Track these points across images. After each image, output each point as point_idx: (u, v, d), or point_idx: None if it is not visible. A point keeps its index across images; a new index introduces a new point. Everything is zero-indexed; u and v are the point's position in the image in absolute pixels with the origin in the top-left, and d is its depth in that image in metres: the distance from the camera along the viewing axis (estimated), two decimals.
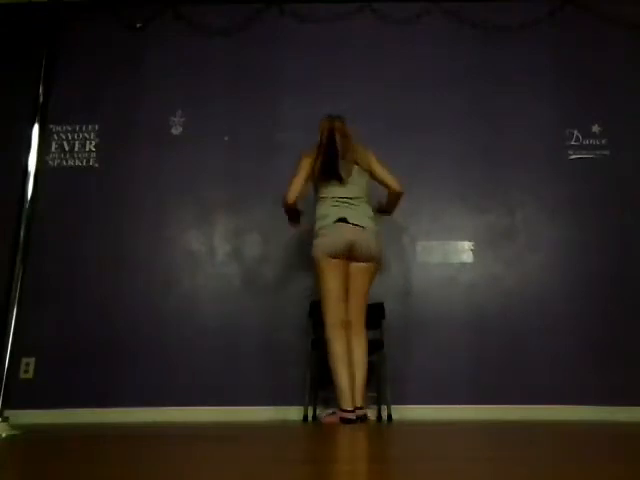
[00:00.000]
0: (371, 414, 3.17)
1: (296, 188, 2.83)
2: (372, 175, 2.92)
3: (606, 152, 3.67)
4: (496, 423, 2.81)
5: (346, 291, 2.82)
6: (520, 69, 3.84)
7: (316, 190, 2.92)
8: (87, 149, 3.78)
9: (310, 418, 3.07)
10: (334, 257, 2.73)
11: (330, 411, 2.94)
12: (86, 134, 3.81)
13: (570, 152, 3.69)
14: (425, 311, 3.41)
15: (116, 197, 3.66)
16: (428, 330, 3.37)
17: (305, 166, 2.86)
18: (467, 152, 3.69)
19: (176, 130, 3.80)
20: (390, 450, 1.44)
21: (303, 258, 3.54)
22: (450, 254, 3.53)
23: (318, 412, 3.17)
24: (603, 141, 3.69)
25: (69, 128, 3.82)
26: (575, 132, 3.72)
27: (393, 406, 3.09)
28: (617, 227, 3.51)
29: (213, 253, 3.57)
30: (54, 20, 2.81)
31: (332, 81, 3.84)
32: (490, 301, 3.42)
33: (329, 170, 2.82)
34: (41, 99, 2.57)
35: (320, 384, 3.18)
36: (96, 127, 3.82)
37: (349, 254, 2.76)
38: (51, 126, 3.75)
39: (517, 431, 2.21)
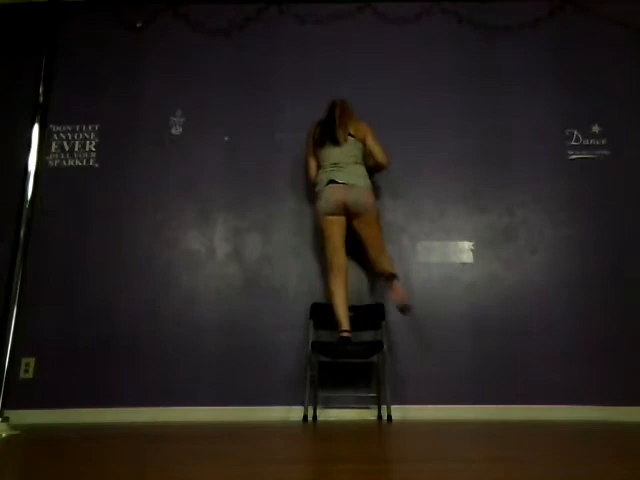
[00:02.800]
0: (371, 414, 3.17)
1: (312, 167, 3.38)
2: (365, 146, 3.31)
3: (606, 152, 3.67)
4: (496, 423, 2.81)
5: (345, 243, 3.21)
6: (520, 69, 3.84)
7: (316, 155, 3.34)
8: (87, 149, 3.77)
9: (310, 418, 3.07)
10: (330, 214, 3.16)
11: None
12: (86, 134, 3.81)
13: (570, 152, 3.69)
14: (425, 311, 3.41)
15: (116, 197, 3.66)
16: (428, 330, 3.37)
17: (309, 142, 3.41)
18: (467, 152, 3.69)
19: (176, 130, 3.80)
20: (390, 450, 1.44)
21: (303, 258, 3.54)
22: (450, 254, 3.53)
23: (318, 412, 3.18)
24: (603, 141, 3.69)
25: (69, 128, 3.82)
26: (575, 132, 3.72)
27: (393, 406, 3.09)
28: (617, 227, 3.51)
29: (213, 253, 3.57)
30: (54, 20, 2.81)
31: (332, 81, 3.83)
32: (490, 301, 3.42)
33: (326, 134, 3.28)
34: (41, 99, 2.57)
35: (320, 384, 3.18)
36: (96, 127, 3.82)
37: (345, 211, 3.16)
38: (51, 126, 3.75)
39: (517, 431, 2.21)
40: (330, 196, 3.14)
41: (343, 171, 3.18)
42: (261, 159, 3.72)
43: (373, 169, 3.37)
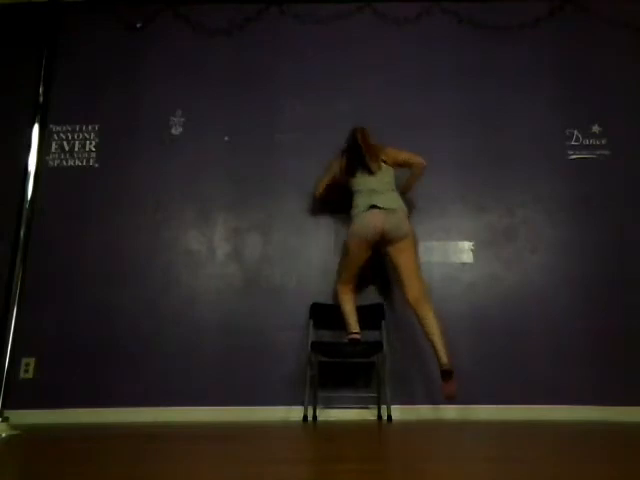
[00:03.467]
0: (371, 414, 3.17)
1: (321, 186, 3.36)
2: (398, 163, 3.27)
3: (606, 152, 3.68)
4: (496, 423, 2.81)
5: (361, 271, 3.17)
6: (520, 69, 3.84)
7: (350, 185, 3.25)
8: (87, 149, 3.78)
9: (310, 418, 3.07)
10: (365, 240, 3.07)
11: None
12: (86, 134, 3.81)
13: (570, 152, 3.69)
14: None
15: (116, 197, 3.66)
16: None
17: (331, 168, 3.34)
18: (467, 152, 3.69)
19: (176, 130, 3.80)
20: (390, 450, 1.44)
21: (303, 258, 3.54)
22: (450, 254, 3.53)
23: (318, 412, 3.18)
24: (603, 141, 3.69)
25: (69, 128, 3.82)
26: (575, 132, 3.72)
27: (393, 406, 3.09)
28: (617, 227, 3.51)
29: (213, 253, 3.57)
30: (54, 20, 2.81)
31: (332, 81, 3.84)
32: (490, 301, 3.42)
33: (358, 164, 3.21)
34: (41, 99, 2.57)
35: (320, 384, 3.18)
36: (96, 127, 3.82)
37: (380, 238, 3.06)
38: (51, 126, 3.75)
39: (517, 431, 2.21)
40: (370, 221, 3.05)
41: (382, 197, 3.11)
42: (261, 159, 3.72)
43: (409, 181, 3.35)
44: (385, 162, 3.23)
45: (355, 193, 3.19)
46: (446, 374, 2.85)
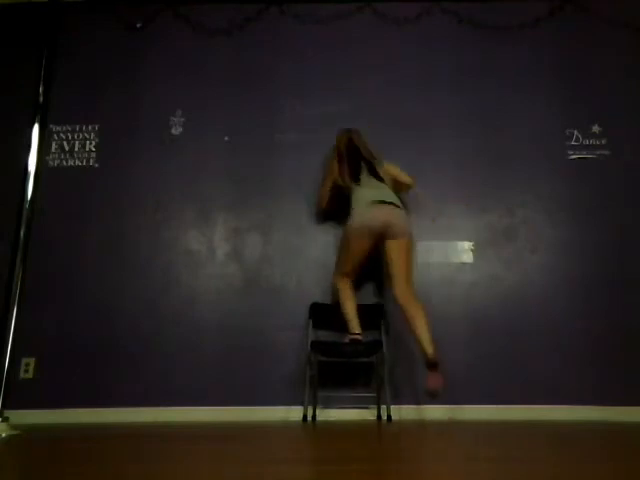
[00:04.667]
0: (370, 414, 3.17)
1: (324, 198, 3.38)
2: (389, 174, 3.27)
3: (606, 152, 3.68)
4: (496, 423, 2.81)
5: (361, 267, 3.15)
6: (520, 69, 3.84)
7: (351, 190, 3.19)
8: (87, 149, 3.77)
9: (310, 418, 3.07)
10: (368, 233, 3.02)
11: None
12: (86, 134, 3.81)
13: (570, 152, 3.69)
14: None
15: (116, 197, 3.66)
16: None
17: (330, 172, 3.31)
18: (467, 152, 3.69)
19: (176, 130, 3.80)
20: (390, 450, 1.44)
21: (303, 258, 3.54)
22: (450, 254, 3.53)
23: (318, 412, 3.18)
24: (603, 141, 3.69)
25: (69, 128, 3.82)
26: (575, 132, 3.72)
27: (393, 406, 3.09)
28: (617, 227, 3.51)
29: (213, 253, 3.57)
30: (54, 20, 2.81)
31: (332, 81, 3.83)
32: (490, 301, 3.42)
33: (362, 170, 3.19)
34: (41, 99, 2.57)
35: (320, 384, 3.18)
36: (96, 127, 3.82)
37: (384, 232, 3.02)
38: (51, 126, 3.75)
39: (517, 431, 2.21)
40: (376, 215, 3.02)
41: (383, 193, 3.11)
42: (261, 159, 3.72)
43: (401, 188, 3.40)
44: (382, 166, 3.26)
45: (357, 193, 3.15)
46: (431, 365, 2.79)
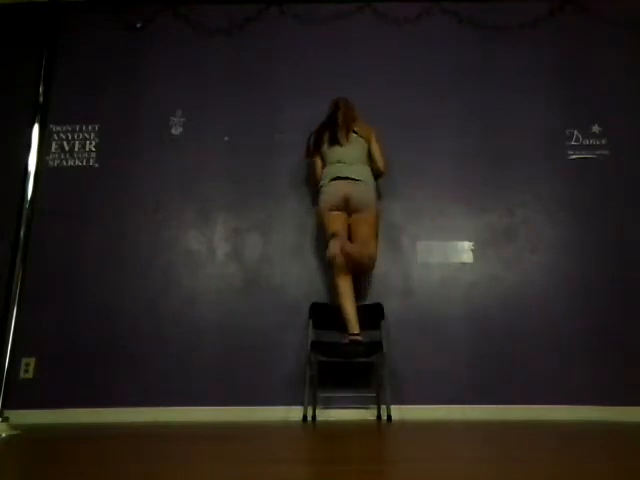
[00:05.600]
0: (370, 414, 3.17)
1: (318, 165, 3.41)
2: (369, 142, 3.36)
3: (606, 152, 3.67)
4: (496, 423, 2.81)
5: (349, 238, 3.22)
6: (520, 69, 3.84)
7: (323, 158, 3.36)
8: (87, 149, 3.77)
9: (310, 418, 3.07)
10: (334, 209, 3.18)
11: None
12: (86, 134, 3.81)
13: (570, 152, 3.69)
14: (425, 311, 3.41)
15: (116, 197, 3.66)
16: (428, 330, 3.37)
17: (313, 142, 3.40)
18: (467, 152, 3.69)
19: (176, 130, 3.80)
20: (390, 450, 1.44)
21: (303, 258, 3.54)
22: (450, 254, 3.52)
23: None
24: (603, 141, 3.69)
25: (69, 128, 3.82)
26: (575, 132, 3.72)
27: (393, 406, 3.09)
28: (617, 227, 3.51)
29: (213, 253, 3.57)
30: (54, 20, 2.81)
31: (332, 81, 3.83)
32: (490, 301, 3.42)
33: (329, 136, 3.31)
34: (41, 99, 2.57)
35: (320, 384, 3.18)
36: (96, 127, 3.82)
37: (346, 206, 3.18)
38: (51, 126, 3.75)
39: (517, 431, 2.21)
40: (335, 190, 3.18)
41: (348, 168, 3.21)
42: (261, 159, 3.72)
43: (374, 172, 3.37)
44: (357, 133, 3.31)
45: (325, 166, 3.31)
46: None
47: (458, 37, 3.91)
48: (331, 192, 3.19)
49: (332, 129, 3.33)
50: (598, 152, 3.67)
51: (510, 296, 3.42)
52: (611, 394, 3.18)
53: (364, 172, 3.24)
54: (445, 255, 3.52)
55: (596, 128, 3.71)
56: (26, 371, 3.30)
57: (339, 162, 3.24)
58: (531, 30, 3.89)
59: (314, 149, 3.38)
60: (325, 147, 3.32)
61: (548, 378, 3.25)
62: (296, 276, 3.49)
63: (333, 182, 3.20)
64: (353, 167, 3.23)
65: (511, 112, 3.76)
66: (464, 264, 3.50)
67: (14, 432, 2.17)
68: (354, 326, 3.09)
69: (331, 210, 3.20)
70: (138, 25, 3.98)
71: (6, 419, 2.30)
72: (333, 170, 3.23)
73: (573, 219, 3.55)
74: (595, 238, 3.49)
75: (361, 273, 3.32)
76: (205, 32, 3.97)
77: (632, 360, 3.25)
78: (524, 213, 3.58)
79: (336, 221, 3.19)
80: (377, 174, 3.37)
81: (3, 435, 2.11)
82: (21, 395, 3.13)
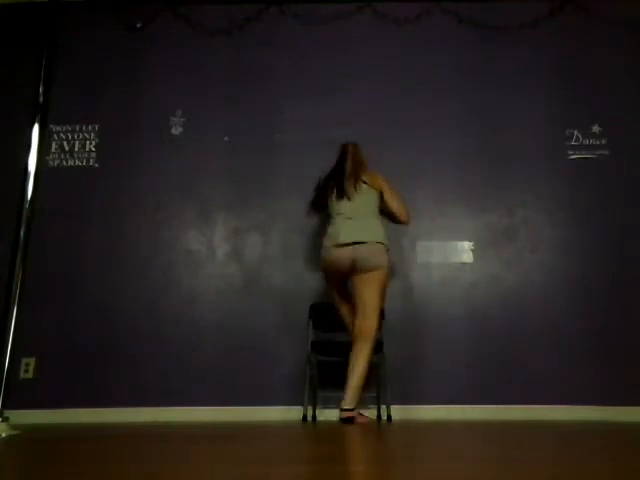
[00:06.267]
0: (370, 414, 3.17)
1: (310, 209, 3.25)
2: (380, 192, 3.04)
3: (606, 152, 3.67)
4: (496, 423, 2.81)
5: (349, 295, 3.04)
6: (520, 69, 3.84)
7: (329, 208, 3.08)
8: (87, 149, 3.78)
9: (310, 418, 3.07)
10: (336, 276, 2.96)
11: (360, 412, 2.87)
12: (86, 134, 3.81)
13: (570, 152, 3.69)
14: (425, 311, 3.41)
15: (116, 197, 3.66)
16: (428, 330, 3.37)
17: (316, 195, 3.16)
18: (467, 152, 3.69)
19: (176, 130, 3.80)
20: (390, 450, 1.44)
21: (303, 258, 3.54)
22: (450, 254, 3.53)
23: (317, 412, 3.17)
24: (603, 141, 3.69)
25: (69, 128, 3.82)
26: (575, 132, 3.72)
27: (393, 406, 3.09)
28: (617, 227, 3.51)
29: (213, 253, 3.57)
30: (54, 20, 2.81)
31: (332, 81, 3.84)
32: (490, 301, 3.42)
33: (336, 187, 3.02)
34: (41, 99, 2.57)
35: (320, 384, 3.18)
36: (96, 127, 3.82)
37: (352, 269, 2.88)
38: (51, 126, 3.75)
39: (517, 431, 2.21)
40: (338, 258, 2.88)
41: (356, 225, 2.91)
42: (261, 159, 3.72)
43: (392, 218, 3.12)
44: (366, 183, 3.00)
45: (330, 218, 3.03)
46: (345, 420, 2.68)
47: (458, 37, 3.91)
48: (334, 261, 2.90)
49: (339, 181, 3.03)
50: (598, 152, 3.67)
51: (510, 296, 3.43)
52: (611, 394, 3.18)
53: (373, 229, 2.92)
54: (445, 255, 3.52)
55: (596, 128, 3.71)
56: (26, 371, 3.30)
57: (345, 218, 2.93)
58: (531, 30, 3.89)
59: (320, 203, 3.12)
60: (332, 200, 3.03)
61: (548, 378, 3.25)
62: (296, 276, 3.49)
63: (338, 249, 2.88)
64: (361, 223, 2.92)
65: (511, 112, 3.76)
66: (464, 264, 3.50)
67: (14, 432, 2.17)
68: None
69: (333, 272, 2.96)
70: (138, 25, 3.98)
71: (6, 419, 2.30)
72: (337, 230, 2.91)
73: (573, 219, 3.55)
74: (595, 238, 3.49)
75: None
76: (205, 32, 3.97)
77: (632, 360, 3.26)
78: (524, 213, 3.58)
79: (337, 284, 3.01)
80: (397, 222, 3.10)
81: (3, 435, 2.11)
82: (21, 395, 3.13)
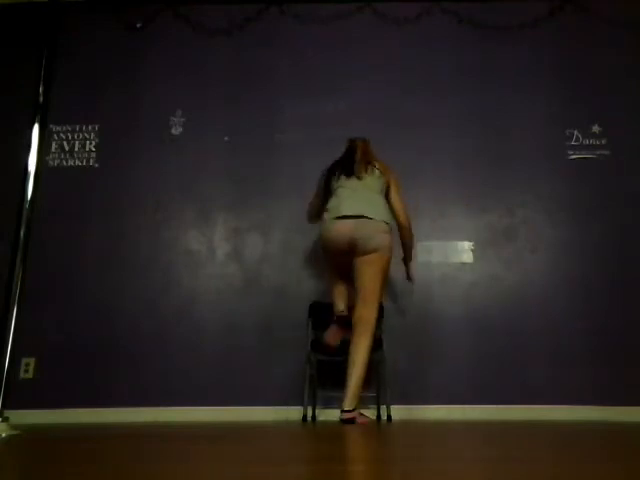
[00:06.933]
0: (370, 414, 3.17)
1: (315, 204, 3.10)
2: (387, 182, 2.96)
3: (606, 152, 3.67)
4: (496, 423, 2.81)
5: (348, 278, 2.89)
6: (520, 69, 3.84)
7: (330, 187, 2.97)
8: (87, 149, 3.78)
9: (310, 418, 3.07)
10: (334, 253, 2.85)
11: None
12: (86, 134, 3.81)
13: (570, 152, 3.69)
14: (425, 311, 3.41)
15: (116, 197, 3.66)
16: (428, 330, 3.37)
17: (322, 183, 3.05)
18: (467, 152, 3.69)
19: (176, 130, 3.80)
20: (390, 450, 1.44)
21: (303, 258, 3.54)
22: (450, 254, 3.53)
23: (317, 412, 3.17)
24: (603, 141, 3.69)
25: (69, 128, 3.82)
26: (575, 132, 3.72)
27: (393, 406, 3.09)
28: (617, 227, 3.51)
29: (213, 253, 3.57)
30: (54, 20, 2.81)
31: (332, 81, 3.84)
32: (490, 301, 3.42)
33: (344, 166, 2.94)
34: (41, 99, 2.57)
35: (319, 384, 3.18)
36: (96, 127, 3.82)
37: (351, 250, 2.78)
38: (51, 126, 3.75)
39: (517, 431, 2.21)
40: (337, 234, 2.76)
41: (358, 200, 2.79)
42: (261, 159, 3.72)
43: (402, 246, 3.07)
44: (377, 169, 2.94)
45: (332, 193, 2.90)
46: (346, 421, 2.61)
47: (458, 37, 3.91)
48: (333, 239, 2.77)
49: (349, 163, 2.93)
50: (598, 152, 3.67)
51: (510, 296, 3.43)
52: (611, 394, 3.18)
53: (379, 206, 2.81)
54: (445, 255, 3.52)
55: (596, 128, 3.71)
56: (26, 371, 3.30)
57: (349, 190, 2.83)
58: (531, 30, 3.89)
59: (325, 189, 2.99)
60: (338, 181, 2.90)
61: (548, 378, 3.25)
62: (296, 276, 3.49)
63: (338, 221, 2.76)
64: (367, 196, 2.80)
65: (511, 112, 3.76)
66: (464, 264, 3.50)
67: (14, 432, 2.17)
68: (339, 303, 2.80)
69: (333, 253, 2.84)
70: (138, 25, 3.98)
71: (6, 419, 2.30)
72: (340, 202, 2.80)
73: (573, 219, 3.55)
74: (595, 238, 3.49)
75: None
76: (205, 32, 3.97)
77: (632, 360, 3.26)
78: (524, 213, 3.58)
79: (338, 266, 2.89)
80: (400, 231, 3.01)
81: (3, 435, 2.11)
82: (21, 395, 3.13)
